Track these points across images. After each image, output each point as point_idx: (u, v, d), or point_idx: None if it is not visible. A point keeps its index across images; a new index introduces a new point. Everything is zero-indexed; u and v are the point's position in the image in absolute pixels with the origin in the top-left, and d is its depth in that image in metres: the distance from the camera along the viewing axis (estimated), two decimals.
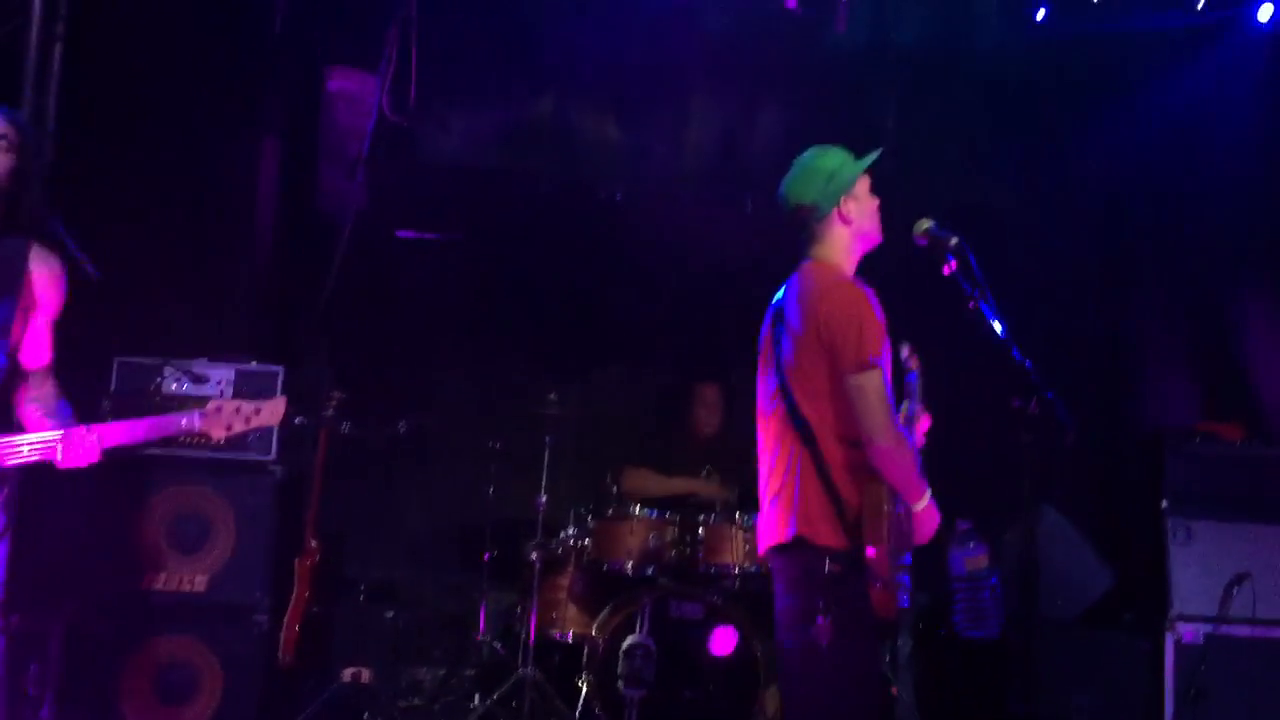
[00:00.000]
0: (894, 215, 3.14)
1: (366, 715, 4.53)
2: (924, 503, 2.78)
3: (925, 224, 3.15)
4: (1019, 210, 5.98)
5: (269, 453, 4.56)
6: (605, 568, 4.81)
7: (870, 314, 2.83)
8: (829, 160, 2.97)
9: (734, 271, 5.39)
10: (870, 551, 2.68)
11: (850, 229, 2.96)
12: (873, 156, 3.00)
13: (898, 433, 2.74)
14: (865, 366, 2.74)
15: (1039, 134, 5.93)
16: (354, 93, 5.63)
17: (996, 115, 5.90)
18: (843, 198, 2.94)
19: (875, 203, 3.01)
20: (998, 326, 3.03)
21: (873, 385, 2.73)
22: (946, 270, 3.09)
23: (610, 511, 4.90)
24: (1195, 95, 5.79)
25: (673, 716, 4.48)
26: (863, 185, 2.99)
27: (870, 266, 3.09)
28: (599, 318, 5.92)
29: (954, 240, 3.10)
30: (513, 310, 5.89)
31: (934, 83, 5.85)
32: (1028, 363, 3.04)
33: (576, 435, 5.24)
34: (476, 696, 4.86)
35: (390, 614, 5.03)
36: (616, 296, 5.89)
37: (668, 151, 6.05)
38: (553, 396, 5.00)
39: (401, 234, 5.67)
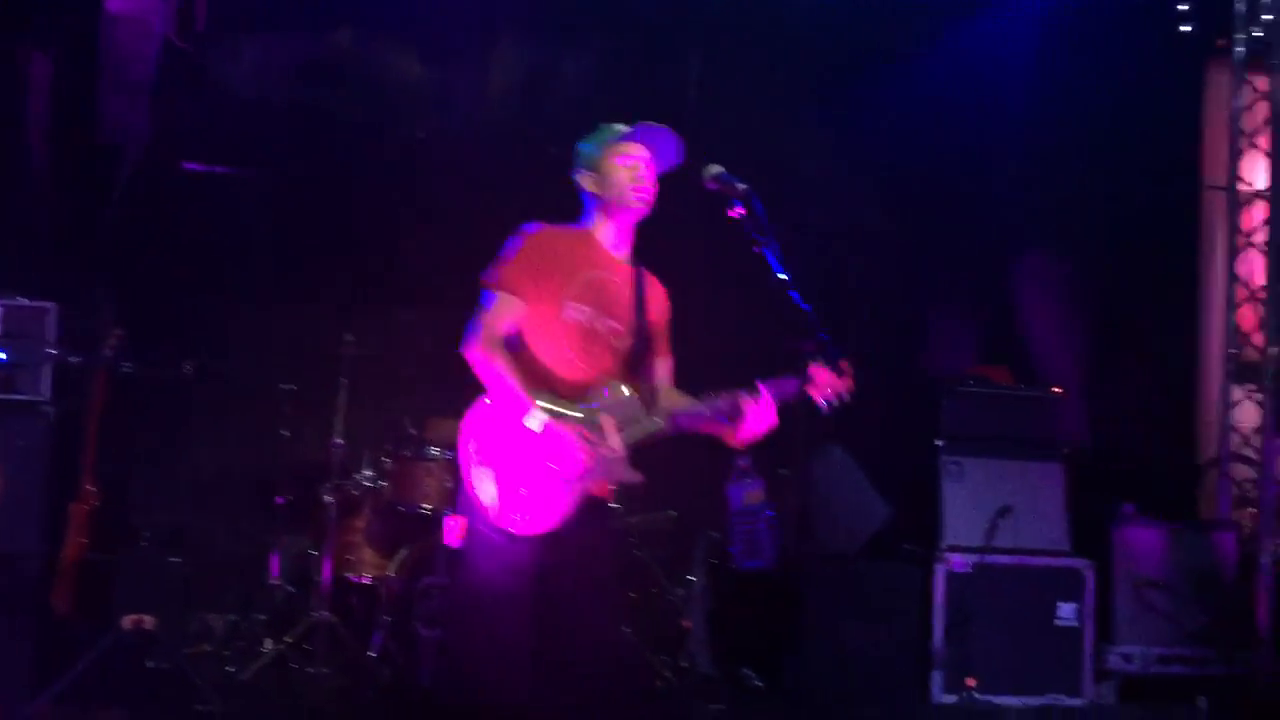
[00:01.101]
0: (696, 169, 3.21)
1: (150, 663, 4.40)
2: (532, 421, 2.80)
3: (714, 169, 3.23)
4: (817, 167, 6.18)
5: (42, 393, 4.35)
6: (402, 509, 4.79)
7: (517, 251, 2.97)
8: (588, 138, 3.09)
9: (536, 219, 5.39)
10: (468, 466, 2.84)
11: (597, 203, 3.06)
12: (617, 130, 3.07)
13: (481, 349, 2.87)
14: (485, 285, 2.94)
15: (836, 94, 6.13)
16: (137, 15, 5.35)
17: (797, 75, 6.08)
18: (586, 174, 3.05)
19: (626, 173, 3.06)
20: (781, 275, 3.14)
21: (483, 302, 2.93)
22: (733, 214, 3.18)
23: (408, 453, 4.88)
24: (977, 58, 6.12)
25: None
26: (611, 160, 3.05)
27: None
28: (398, 258, 5.82)
29: (741, 187, 3.19)
30: (308, 248, 5.73)
31: (739, 41, 5.97)
32: (806, 306, 3.16)
33: (373, 377, 5.17)
34: (268, 641, 4.78)
35: (178, 560, 4.88)
36: (416, 237, 5.81)
37: (472, 94, 5.99)
38: (349, 337, 4.90)
39: (189, 166, 5.43)
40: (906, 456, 5.63)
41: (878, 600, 4.97)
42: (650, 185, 3.10)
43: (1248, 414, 5.82)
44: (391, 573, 4.68)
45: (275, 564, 5.03)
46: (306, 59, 5.72)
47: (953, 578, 5.05)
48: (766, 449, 4.79)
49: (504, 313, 2.93)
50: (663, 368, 3.18)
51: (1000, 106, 6.12)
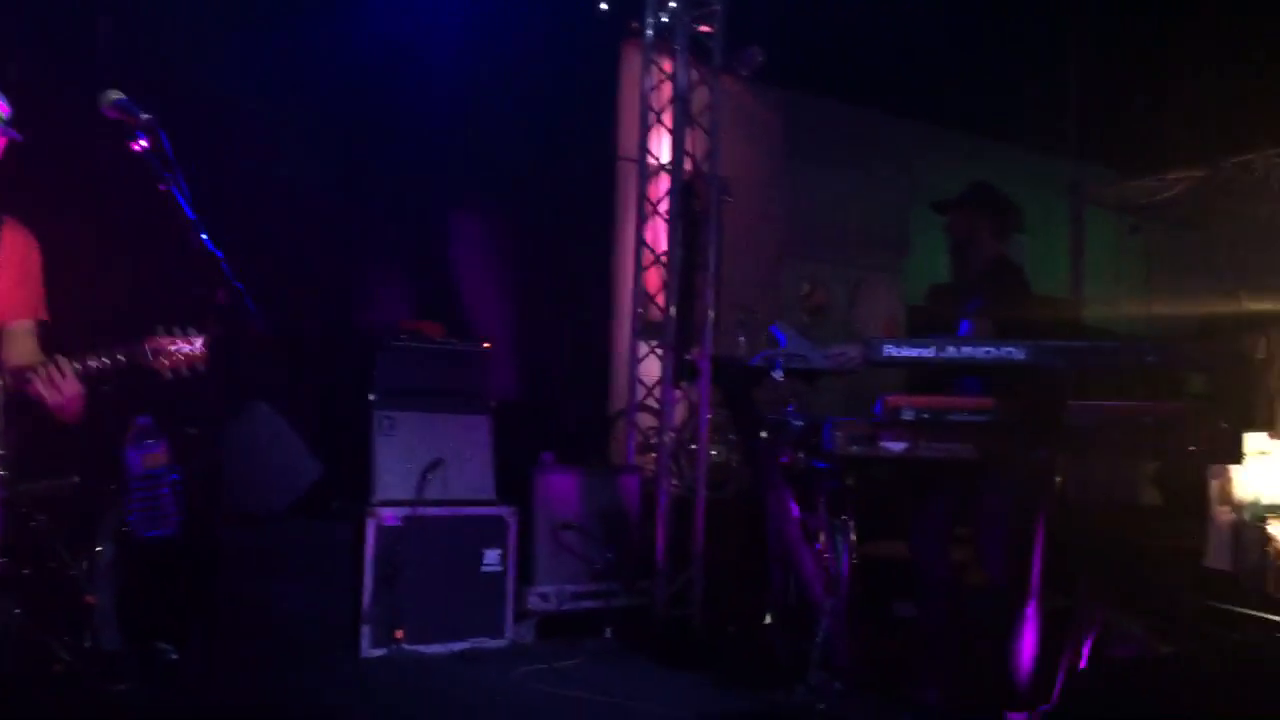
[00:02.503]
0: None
1: None
2: None
3: (113, 95, 2.94)
4: (243, 107, 5.84)
5: None
6: None
7: None
8: None
9: None
10: None
11: None
12: None
13: None
14: None
15: (268, 29, 5.83)
16: None
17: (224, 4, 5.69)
18: None
19: None
20: (190, 216, 2.93)
21: None
22: (136, 147, 2.92)
23: None
24: (413, 18, 6.13)
25: None
26: None
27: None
28: None
29: (145, 116, 2.92)
30: None
31: None
32: (219, 252, 2.98)
33: None
34: None
35: None
36: None
37: None
38: None
39: None
40: (340, 412, 5.57)
41: (307, 560, 4.87)
42: None
43: (652, 368, 6.40)
44: None
45: None
46: None
47: (383, 532, 5.08)
48: (176, 406, 4.52)
49: None
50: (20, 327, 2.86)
51: (435, 69, 6.19)
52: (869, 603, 5.21)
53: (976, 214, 4.60)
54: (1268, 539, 5.98)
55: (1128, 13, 7.68)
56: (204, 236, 2.91)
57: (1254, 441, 6.10)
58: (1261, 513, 6.10)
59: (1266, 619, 5.11)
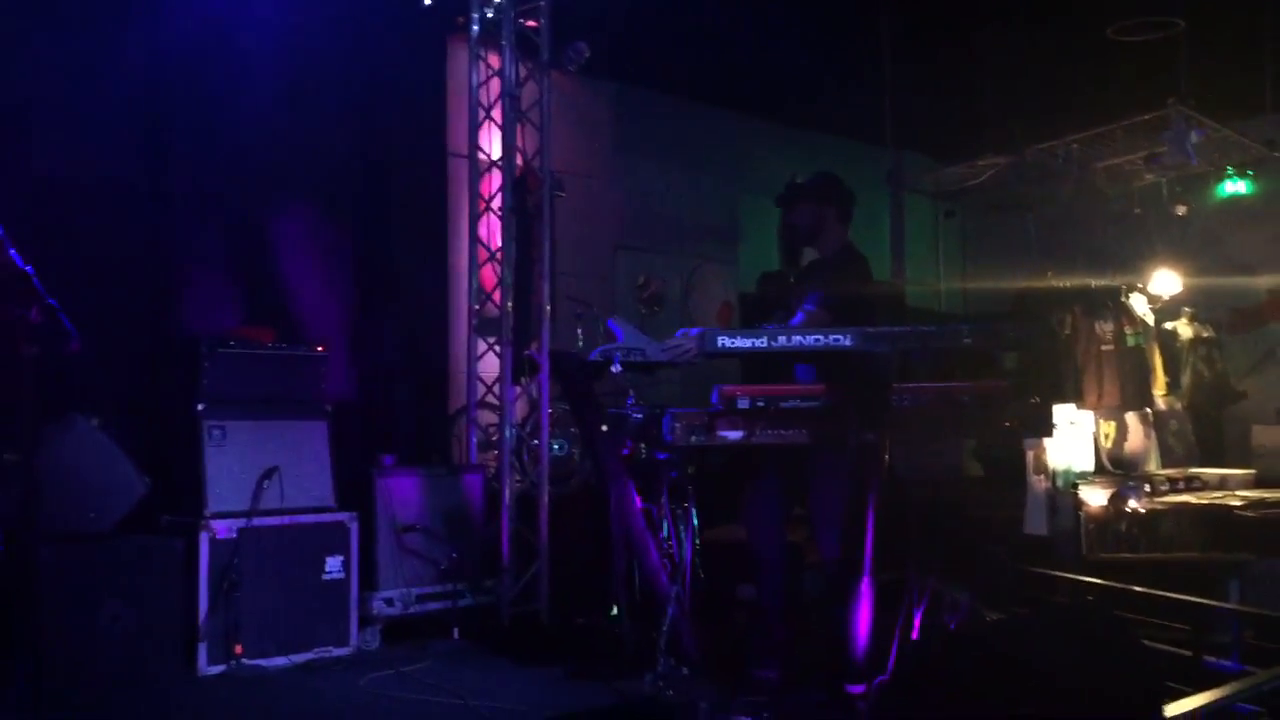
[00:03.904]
0: None
1: None
2: None
3: None
4: (51, 108, 5.54)
5: None
6: None
7: None
8: None
9: None
10: None
11: None
12: None
13: None
14: None
15: (81, 26, 5.55)
16: None
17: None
18: None
19: None
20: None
21: None
22: None
23: None
24: (233, 13, 5.93)
25: None
26: None
27: None
28: None
29: None
30: None
31: None
32: (29, 268, 2.83)
33: None
34: None
35: None
36: None
37: None
38: None
39: None
40: (168, 424, 5.36)
41: (136, 578, 4.66)
42: None
43: (491, 365, 6.36)
44: None
45: None
46: None
47: (217, 545, 4.92)
48: None
49: None
50: None
51: (253, 65, 5.99)
52: (713, 587, 5.32)
53: (824, 203, 4.74)
54: (1079, 504, 6.36)
55: (940, 7, 7.99)
56: (12, 252, 2.76)
57: (1063, 413, 6.48)
58: (1073, 479, 6.47)
59: (1080, 580, 5.42)
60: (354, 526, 5.32)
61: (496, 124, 6.38)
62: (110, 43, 5.59)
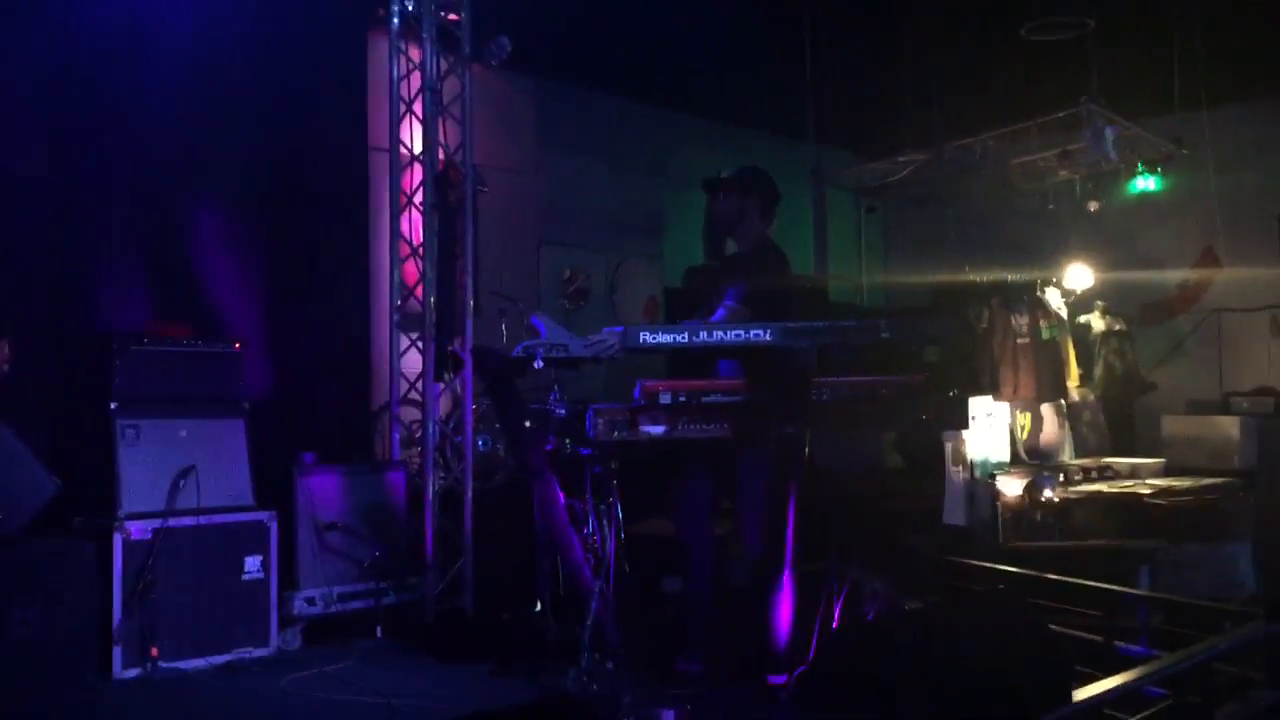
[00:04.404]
0: None
1: None
2: None
3: None
4: None
5: None
6: None
7: None
8: None
9: None
10: None
11: None
12: None
13: None
14: None
15: None
16: None
17: None
18: None
19: None
20: None
21: None
22: None
23: None
24: (142, 5, 5.80)
25: None
26: None
27: None
28: None
29: None
30: None
31: None
32: None
33: None
34: None
35: None
36: None
37: None
38: None
39: None
40: (77, 423, 5.25)
41: (47, 581, 4.56)
42: None
43: (414, 361, 6.32)
44: None
45: None
46: None
47: (131, 546, 4.83)
48: None
49: None
50: None
51: (166, 55, 5.86)
52: (638, 581, 5.34)
53: (747, 195, 4.77)
54: (996, 494, 6.50)
55: (861, 2, 8.09)
56: None
57: (980, 405, 6.62)
58: (990, 470, 6.61)
59: (996, 569, 5.54)
60: (273, 525, 5.25)
61: (418, 118, 6.33)
62: (13, 30, 5.43)
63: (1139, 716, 3.67)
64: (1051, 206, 10.31)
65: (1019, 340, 8.08)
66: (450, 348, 6.03)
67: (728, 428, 4.02)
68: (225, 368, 5.38)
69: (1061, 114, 9.18)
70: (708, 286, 4.83)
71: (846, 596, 4.29)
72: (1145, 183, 9.70)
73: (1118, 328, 9.71)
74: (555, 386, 5.90)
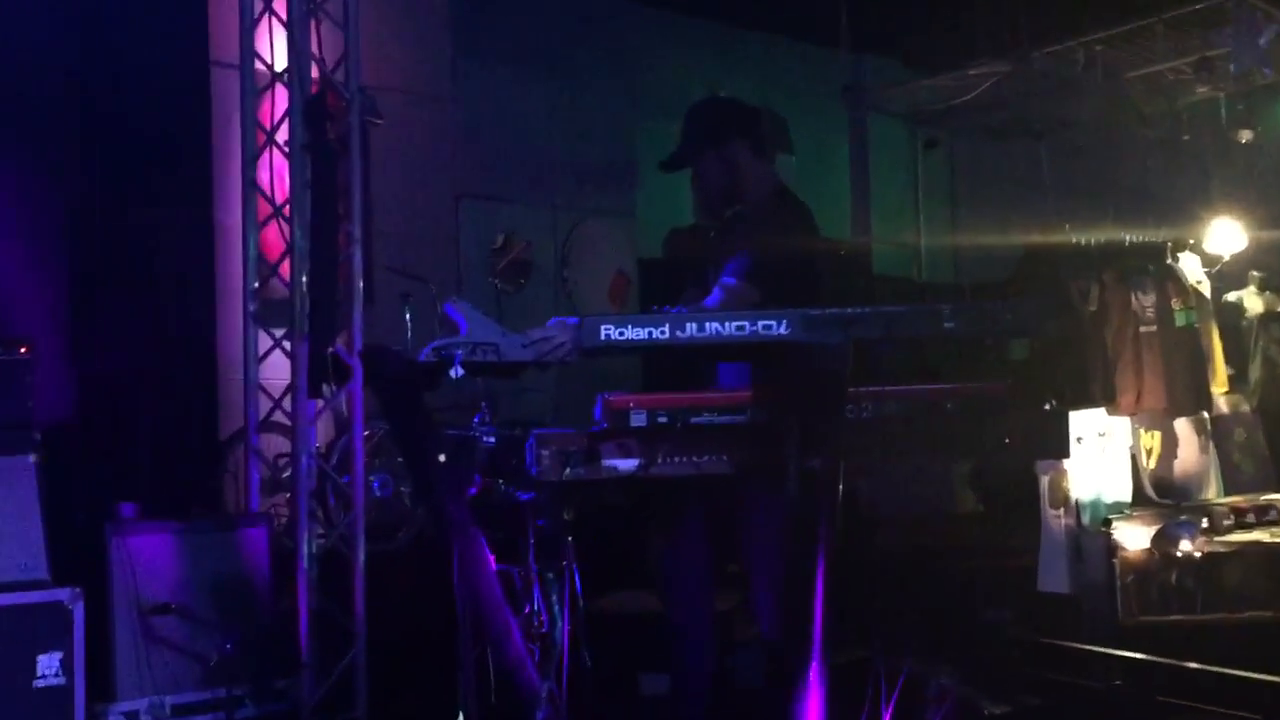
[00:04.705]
0: None
1: None
2: None
3: None
4: None
5: None
6: None
7: None
8: None
9: None
10: None
11: None
12: None
13: None
14: None
15: None
16: None
17: None
18: None
19: None
20: None
21: None
22: None
23: None
24: None
25: None
26: None
27: None
28: None
29: None
30: None
31: None
32: None
33: None
34: None
35: None
36: None
37: None
38: None
39: None
40: None
41: None
42: None
43: (278, 368, 6.27)
44: None
45: None
46: None
47: None
48: None
49: None
50: None
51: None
52: (605, 680, 5.34)
53: (722, 143, 4.74)
54: (1114, 549, 6.49)
55: None
56: None
57: (1088, 422, 6.62)
58: (1104, 515, 6.62)
59: (1114, 655, 5.56)
60: (78, 608, 5.21)
61: (281, 20, 6.31)
62: None
63: None
64: (1186, 137, 10.37)
65: (1143, 329, 8.11)
66: (331, 349, 6.01)
67: (729, 460, 4.00)
68: (6, 381, 5.35)
69: (1199, 6, 9.24)
70: (699, 257, 4.82)
71: (900, 699, 4.30)
72: None
73: None
74: (483, 404, 5.89)
